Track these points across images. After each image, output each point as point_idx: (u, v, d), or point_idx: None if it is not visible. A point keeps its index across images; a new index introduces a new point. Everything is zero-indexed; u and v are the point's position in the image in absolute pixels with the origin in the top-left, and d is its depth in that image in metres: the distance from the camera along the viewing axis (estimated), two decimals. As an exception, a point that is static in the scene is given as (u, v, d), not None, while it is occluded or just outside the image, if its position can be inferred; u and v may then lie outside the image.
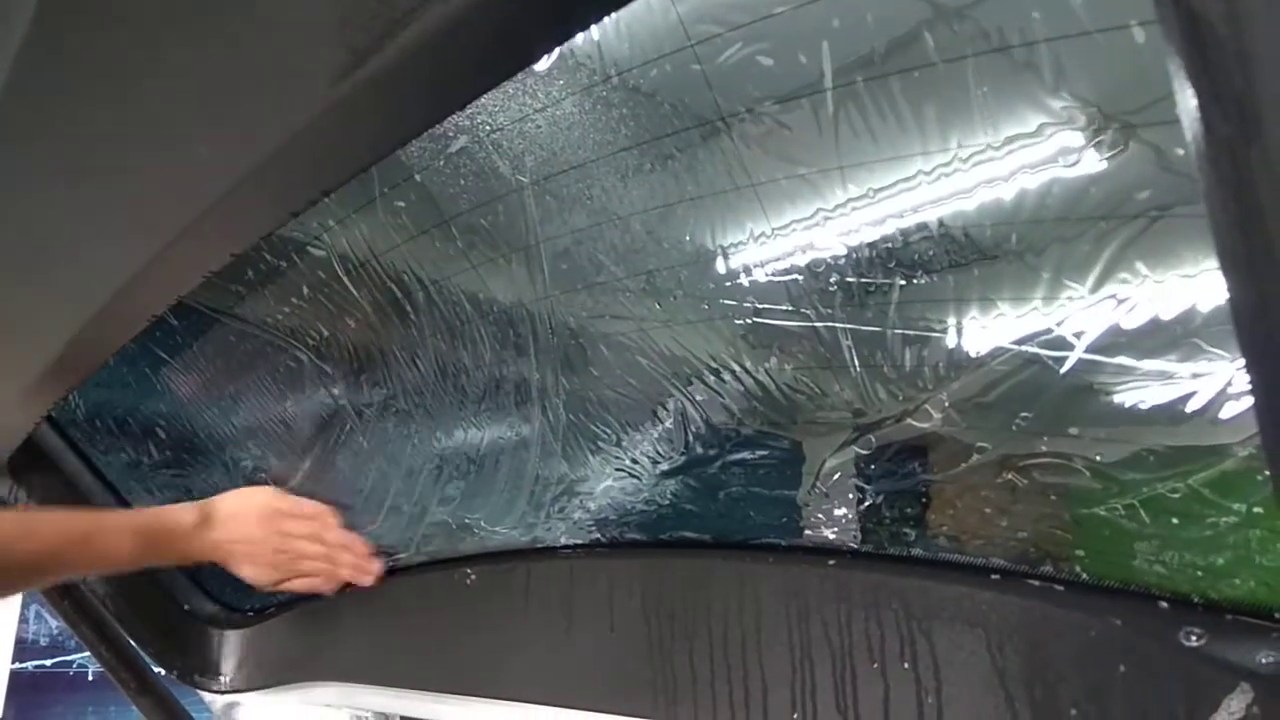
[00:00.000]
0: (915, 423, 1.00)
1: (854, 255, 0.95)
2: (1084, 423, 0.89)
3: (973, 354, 0.93)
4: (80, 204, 0.94)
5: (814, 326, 1.01)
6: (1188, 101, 0.40)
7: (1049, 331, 0.87)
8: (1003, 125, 0.81)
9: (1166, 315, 0.80)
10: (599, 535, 1.35)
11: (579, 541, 1.37)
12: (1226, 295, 0.44)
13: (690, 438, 1.20)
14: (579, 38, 0.91)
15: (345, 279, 1.34)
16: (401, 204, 1.21)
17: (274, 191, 0.85)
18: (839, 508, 1.09)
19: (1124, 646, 0.81)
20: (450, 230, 1.22)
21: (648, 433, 1.24)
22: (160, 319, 1.12)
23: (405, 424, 1.52)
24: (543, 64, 0.95)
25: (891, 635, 0.95)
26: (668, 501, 1.27)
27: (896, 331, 0.96)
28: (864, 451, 1.06)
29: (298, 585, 1.26)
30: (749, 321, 1.06)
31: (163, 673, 1.87)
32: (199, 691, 1.88)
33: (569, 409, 1.28)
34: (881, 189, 0.90)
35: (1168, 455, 0.84)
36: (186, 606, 1.88)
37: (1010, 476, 0.95)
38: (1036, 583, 0.91)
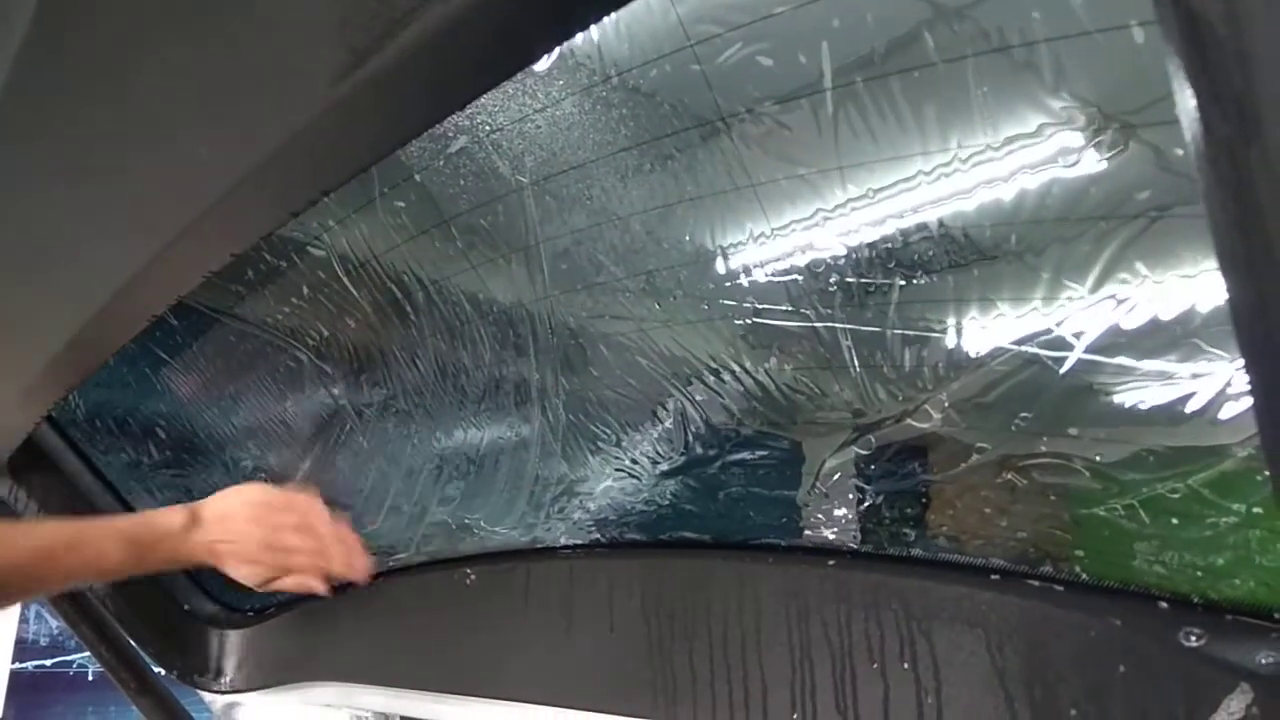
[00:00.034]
0: (915, 423, 1.00)
1: (854, 255, 0.95)
2: (1084, 423, 0.89)
3: (972, 354, 0.93)
4: (80, 204, 0.94)
5: (814, 327, 1.01)
6: (1187, 101, 0.40)
7: (1048, 332, 0.87)
8: (1002, 125, 0.81)
9: (1166, 315, 0.80)
10: (599, 535, 1.35)
11: (579, 542, 1.37)
12: (1226, 295, 0.44)
13: (690, 438, 1.20)
14: (579, 38, 0.91)
15: (345, 279, 1.34)
16: (401, 204, 1.21)
17: (274, 191, 0.85)
18: (839, 508, 1.09)
19: (1124, 647, 0.81)
20: (450, 230, 1.22)
21: (647, 433, 1.24)
22: (160, 319, 1.12)
23: (405, 424, 1.52)
24: (542, 64, 0.95)
25: (891, 635, 0.95)
26: (667, 502, 1.27)
27: (896, 332, 0.96)
28: (864, 452, 1.06)
29: (290, 584, 1.24)
30: (749, 322, 1.06)
31: (163, 673, 1.87)
32: (199, 691, 1.88)
33: (569, 409, 1.28)
34: (881, 189, 0.90)
35: (1167, 455, 0.84)
36: (186, 606, 1.88)
37: (1010, 477, 0.95)
38: (1036, 583, 0.91)
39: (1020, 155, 0.82)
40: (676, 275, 1.10)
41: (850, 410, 1.05)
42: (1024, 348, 0.89)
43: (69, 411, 1.81)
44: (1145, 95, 0.74)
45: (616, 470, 1.30)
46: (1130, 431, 0.87)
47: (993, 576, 0.93)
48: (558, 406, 1.29)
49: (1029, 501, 0.94)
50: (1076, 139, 0.79)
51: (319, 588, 1.26)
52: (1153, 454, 0.85)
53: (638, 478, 1.28)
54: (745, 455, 1.17)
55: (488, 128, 1.05)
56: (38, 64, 0.74)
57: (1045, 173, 0.81)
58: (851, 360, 1.00)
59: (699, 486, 1.23)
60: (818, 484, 1.10)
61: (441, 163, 1.13)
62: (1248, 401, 0.77)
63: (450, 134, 1.07)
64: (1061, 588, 0.89)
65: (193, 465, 1.88)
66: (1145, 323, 0.81)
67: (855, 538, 1.09)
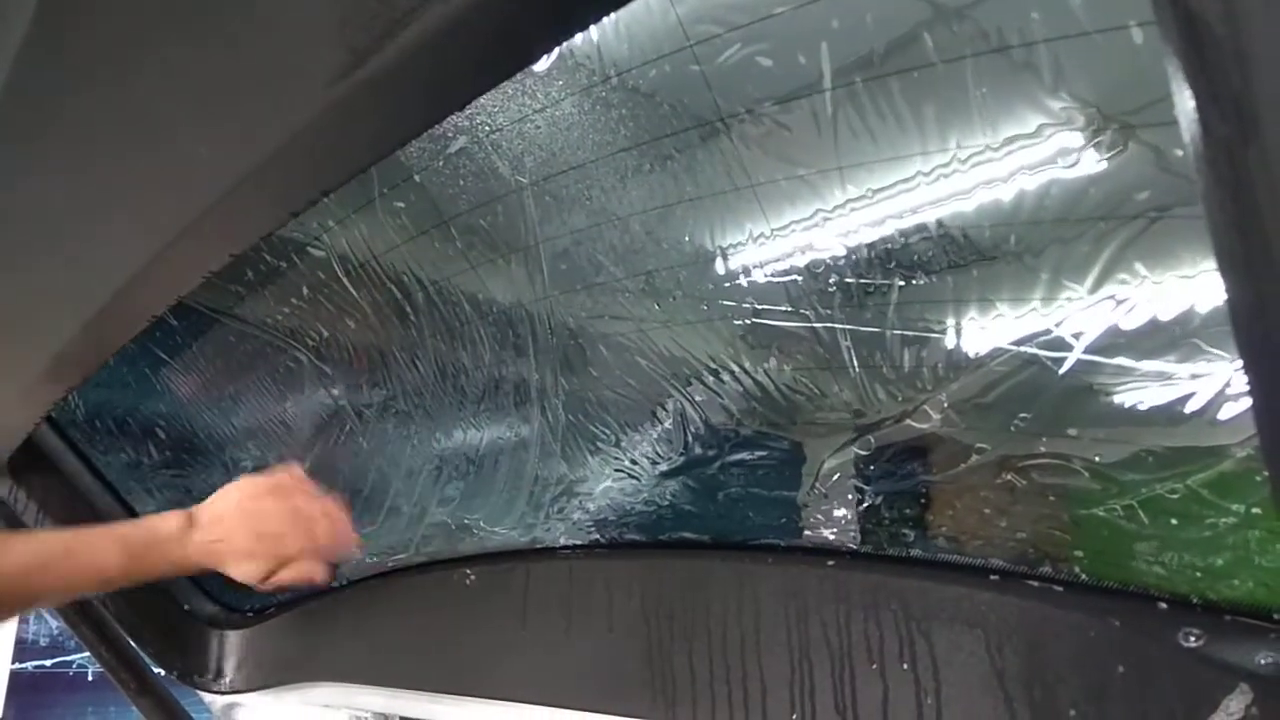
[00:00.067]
0: (914, 423, 1.00)
1: (853, 256, 0.95)
2: (1083, 423, 0.89)
3: (972, 355, 0.93)
4: (80, 204, 0.94)
5: (813, 327, 1.01)
6: (1185, 102, 0.40)
7: (1048, 332, 0.87)
8: (1002, 126, 0.81)
9: (1165, 316, 0.80)
10: (598, 536, 1.35)
11: (578, 542, 1.37)
12: (1224, 296, 0.44)
13: (689, 438, 1.20)
14: (578, 38, 0.91)
15: (345, 279, 1.34)
16: (401, 204, 1.21)
17: (274, 191, 0.85)
18: (838, 508, 1.09)
19: (1123, 647, 0.81)
20: (450, 231, 1.22)
21: (647, 433, 1.24)
22: (160, 319, 1.12)
23: (405, 424, 1.52)
24: (542, 64, 0.95)
25: (891, 636, 0.95)
26: (667, 502, 1.27)
27: (895, 332, 0.96)
28: (863, 452, 1.06)
29: (289, 576, 1.23)
30: (748, 322, 1.06)
31: (162, 673, 1.87)
32: (199, 692, 1.88)
33: (568, 410, 1.28)
34: (880, 190, 0.90)
35: (1166, 456, 0.84)
36: (186, 607, 1.88)
37: (1009, 477, 0.95)
38: (1035, 583, 0.91)
39: (1019, 156, 0.82)
40: (676, 276, 1.10)
41: (850, 411, 1.05)
42: (1023, 348, 0.89)
43: (69, 412, 1.81)
44: (1145, 96, 0.74)
45: (616, 471, 1.30)
46: (1129, 432, 0.87)
47: (992, 577, 0.93)
48: (557, 407, 1.29)
49: (1028, 502, 0.94)
50: (1076, 139, 0.79)
51: (319, 574, 1.24)
52: (1152, 454, 0.85)
53: (637, 478, 1.28)
54: (744, 456, 1.17)
55: (487, 128, 1.05)
56: (37, 64, 0.74)
57: (1044, 173, 0.81)
58: (851, 361, 1.00)
59: (698, 487, 1.23)
60: (817, 484, 1.10)
61: (441, 163, 1.13)
62: (1246, 402, 0.77)
63: (450, 134, 1.07)
64: (1061, 588, 0.89)
65: (192, 466, 1.88)
66: (1144, 323, 0.81)
67: (855, 538, 1.09)
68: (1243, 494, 0.80)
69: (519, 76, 0.98)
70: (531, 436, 1.36)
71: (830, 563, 1.03)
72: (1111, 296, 0.82)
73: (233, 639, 1.85)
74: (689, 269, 1.08)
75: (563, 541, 1.38)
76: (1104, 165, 0.78)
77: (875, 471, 1.06)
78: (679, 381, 1.16)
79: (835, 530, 1.10)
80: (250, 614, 1.87)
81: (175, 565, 1.17)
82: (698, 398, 1.16)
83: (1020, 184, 0.83)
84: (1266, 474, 0.50)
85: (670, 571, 1.17)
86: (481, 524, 1.50)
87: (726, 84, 0.90)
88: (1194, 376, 0.80)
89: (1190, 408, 0.81)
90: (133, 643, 1.82)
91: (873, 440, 1.05)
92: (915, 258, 0.92)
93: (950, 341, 0.94)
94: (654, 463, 1.25)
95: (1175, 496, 0.83)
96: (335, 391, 1.55)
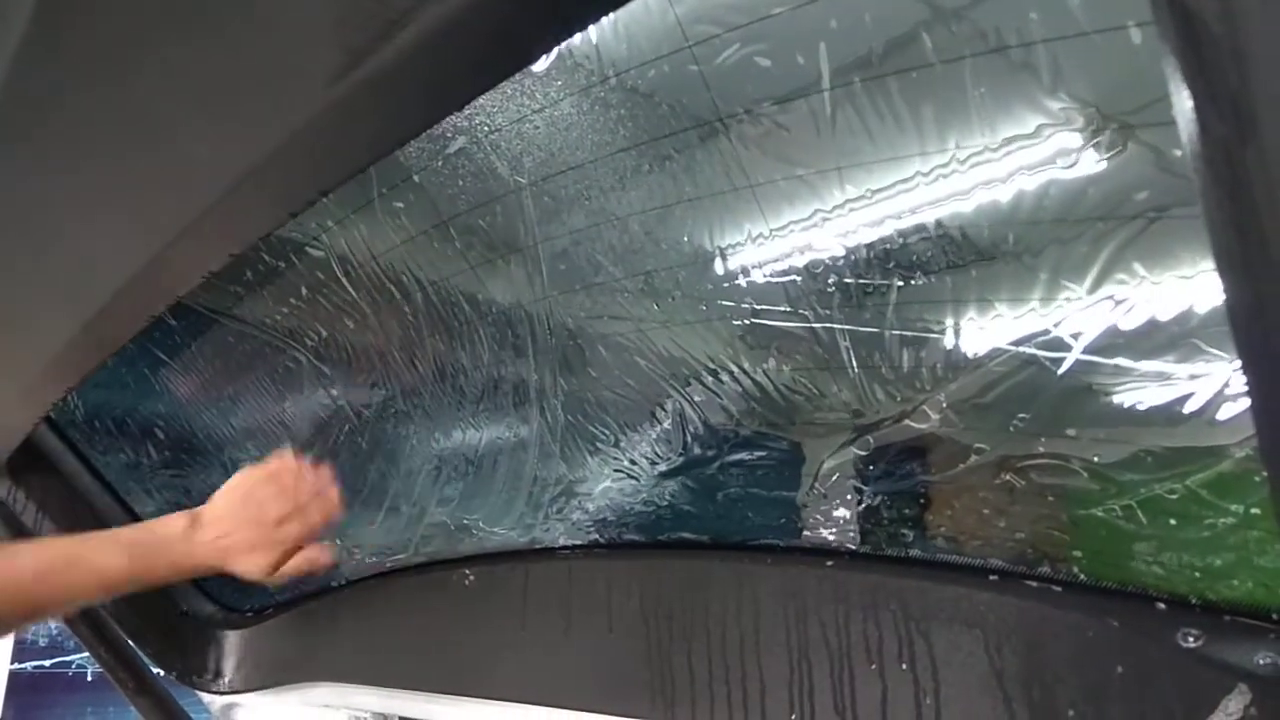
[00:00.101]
0: (913, 424, 1.00)
1: (852, 256, 0.95)
2: (1082, 424, 0.89)
3: (970, 355, 0.93)
4: (80, 204, 0.94)
5: (812, 327, 1.01)
6: (1183, 101, 0.40)
7: (1046, 333, 0.87)
8: (1000, 126, 0.81)
9: (1164, 316, 0.80)
10: (597, 536, 1.35)
11: (577, 542, 1.37)
12: (1223, 296, 0.44)
13: (688, 439, 1.20)
14: (577, 38, 0.91)
15: (344, 280, 1.34)
16: (400, 205, 1.21)
17: (273, 191, 0.85)
18: (837, 509, 1.09)
19: (1122, 647, 0.81)
20: (449, 231, 1.22)
21: (646, 434, 1.24)
22: (159, 319, 1.12)
23: (404, 425, 1.52)
24: (541, 65, 0.95)
25: (890, 636, 0.95)
26: (666, 502, 1.27)
27: (894, 332, 0.96)
28: (862, 452, 1.06)
29: (298, 564, 1.21)
30: (747, 322, 1.06)
31: (161, 673, 1.87)
32: (198, 692, 1.88)
33: (567, 410, 1.28)
34: (879, 190, 0.90)
35: (1165, 456, 0.84)
36: (185, 607, 1.88)
37: (1008, 477, 0.95)
38: (1034, 583, 0.91)
39: (1018, 156, 0.82)
40: (675, 276, 1.10)
41: (849, 411, 1.05)
42: (1022, 348, 0.89)
43: (68, 412, 1.81)
44: (1144, 95, 0.74)
45: (615, 471, 1.30)
46: (1128, 432, 0.87)
47: (991, 577, 0.93)
48: (556, 407, 1.29)
49: (1027, 502, 0.94)
50: (1075, 140, 0.79)
51: (324, 558, 1.22)
52: (1151, 455, 0.85)
53: (636, 478, 1.28)
54: (744, 456, 1.17)
55: (486, 128, 1.05)
56: (36, 64, 0.74)
57: (1043, 173, 0.81)
58: (850, 361, 1.00)
59: (697, 487, 1.23)
60: (816, 485, 1.10)
61: (440, 163, 1.13)
62: (1245, 402, 0.77)
63: (449, 134, 1.07)
64: (1060, 588, 0.89)
65: (192, 466, 1.88)
66: (1143, 323, 0.81)
67: (854, 538, 1.09)
68: (1241, 494, 0.80)
69: (518, 77, 0.98)
70: (530, 437, 1.36)
71: (829, 563, 1.03)
72: (1110, 297, 0.82)
73: (232, 639, 1.85)
74: (688, 269, 1.08)
75: (562, 542, 1.38)
76: (1103, 165, 0.78)
77: (874, 472, 1.06)
78: (678, 382, 1.16)
79: (834, 530, 1.10)
80: (249, 614, 1.87)
81: (181, 567, 1.16)
82: (697, 398, 1.16)
83: (1019, 184, 0.83)
84: (1265, 474, 0.50)
85: (669, 572, 1.17)
86: (481, 524, 1.50)
87: (725, 84, 0.90)
88: (1193, 377, 0.80)
89: (1189, 408, 0.81)
90: (132, 643, 1.82)
91: (872, 440, 1.05)
92: (914, 258, 0.92)
93: (949, 342, 0.94)
94: (653, 463, 1.25)
95: (1174, 497, 0.83)
96: (334, 392, 1.55)
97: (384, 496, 1.60)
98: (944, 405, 0.96)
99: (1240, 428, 0.79)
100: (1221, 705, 0.74)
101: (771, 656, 1.03)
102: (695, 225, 1.04)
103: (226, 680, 1.84)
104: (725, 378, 1.11)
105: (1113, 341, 0.83)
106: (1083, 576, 0.90)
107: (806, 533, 1.13)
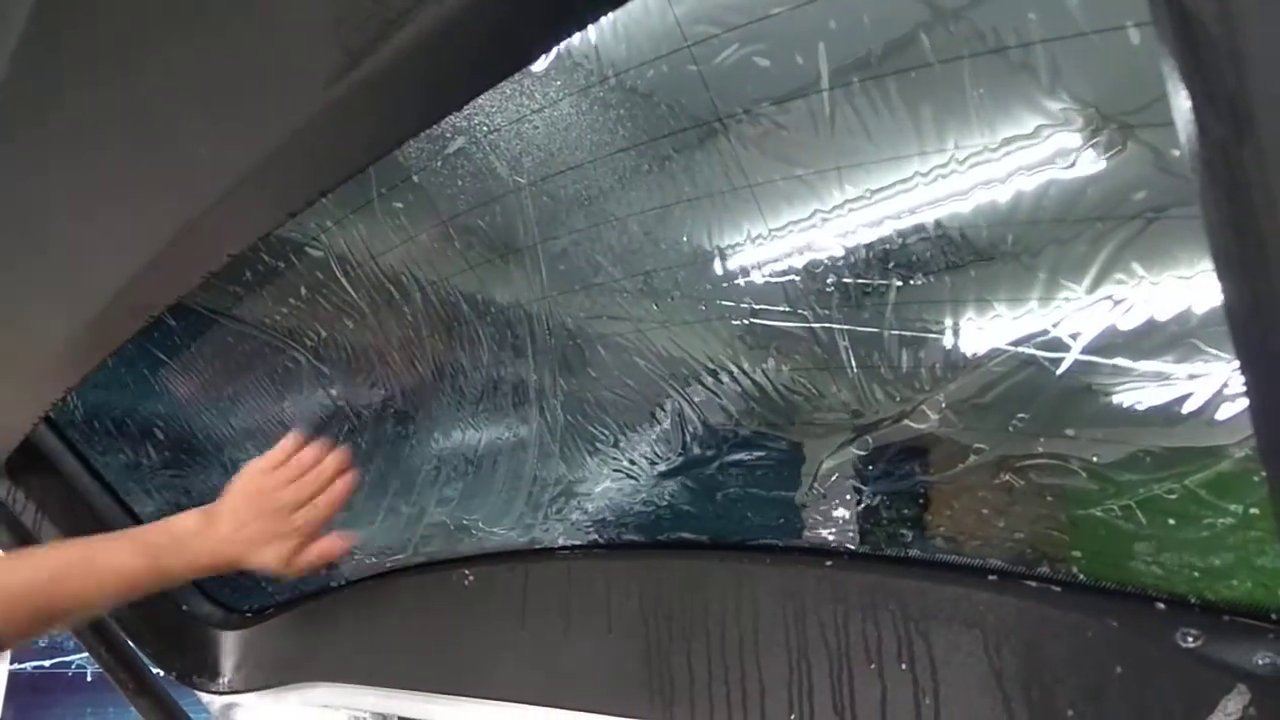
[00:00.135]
0: (912, 424, 1.00)
1: (851, 256, 0.95)
2: (1080, 424, 0.89)
3: (969, 355, 0.93)
4: (80, 204, 0.94)
5: (811, 327, 1.01)
6: (1181, 101, 0.40)
7: (1045, 333, 0.87)
8: (999, 126, 0.81)
9: (1163, 316, 0.80)
10: (597, 536, 1.35)
11: (577, 542, 1.37)
12: (1221, 296, 0.44)
13: (688, 439, 1.20)
14: (576, 38, 0.91)
15: (343, 280, 1.34)
16: (399, 205, 1.21)
17: (273, 191, 0.85)
18: (837, 509, 1.10)
19: (1121, 647, 0.81)
20: (448, 231, 1.22)
21: (645, 434, 1.24)
22: (159, 319, 1.12)
23: (403, 425, 1.52)
24: (540, 65, 0.95)
25: (889, 636, 0.95)
26: (665, 502, 1.27)
27: (893, 333, 0.96)
28: (861, 452, 1.06)
29: (313, 554, 1.17)
30: (746, 322, 1.06)
31: (161, 673, 1.87)
32: (197, 692, 1.88)
33: (567, 410, 1.28)
34: (878, 190, 0.90)
35: (1164, 456, 0.84)
36: (185, 607, 1.88)
37: (1007, 477, 0.95)
38: (1033, 584, 0.91)
39: (1017, 156, 0.82)
40: (674, 276, 1.10)
41: (848, 411, 1.05)
42: (1021, 349, 0.89)
43: (67, 413, 1.81)
44: (1143, 95, 0.74)
45: (614, 471, 1.30)
46: (1127, 432, 0.87)
47: (990, 577, 0.93)
48: (555, 407, 1.29)
49: (1026, 502, 0.94)
50: (1074, 140, 0.79)
51: (342, 545, 1.20)
52: (1150, 455, 0.85)
53: (636, 478, 1.28)
54: (743, 456, 1.17)
55: (485, 128, 1.05)
56: (36, 63, 0.74)
57: (1042, 174, 0.81)
58: (849, 361, 1.00)
59: (697, 487, 1.23)
60: (815, 485, 1.10)
61: (439, 163, 1.13)
62: (1244, 402, 0.77)
63: (448, 135, 1.07)
64: (1059, 588, 0.89)
65: (191, 466, 1.88)
66: (1142, 323, 0.81)
67: (853, 538, 1.09)
68: (1240, 494, 0.80)
69: (517, 77, 0.98)
70: (530, 437, 1.36)
71: (828, 563, 1.03)
72: (1109, 297, 0.82)
73: (231, 639, 1.85)
74: (687, 269, 1.08)
75: (561, 542, 1.39)
76: (1102, 165, 0.78)
77: (873, 472, 1.06)
78: (677, 382, 1.16)
79: (834, 530, 1.10)
80: (249, 614, 1.87)
81: (197, 565, 1.14)
82: (696, 398, 1.16)
83: (1018, 184, 0.83)
84: (1264, 474, 0.50)
85: (669, 572, 1.17)
86: (480, 524, 1.50)
87: (724, 84, 0.90)
88: (1191, 377, 0.80)
89: (1188, 408, 0.81)
90: (131, 643, 1.82)
91: (871, 440, 1.05)
92: (913, 258, 0.92)
93: (948, 342, 0.94)
94: (652, 463, 1.26)
95: (1173, 497, 0.83)
96: (333, 392, 1.55)
97: (383, 496, 1.60)
98: (943, 405, 0.96)
99: (1239, 428, 0.79)
100: (1220, 705, 0.74)
101: (771, 657, 1.03)
102: (694, 225, 1.04)
103: (226, 680, 1.84)
104: (724, 378, 1.11)
105: (1111, 341, 0.83)
106: (1082, 576, 0.90)
107: (806, 533, 1.13)
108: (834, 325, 0.99)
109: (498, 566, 1.40)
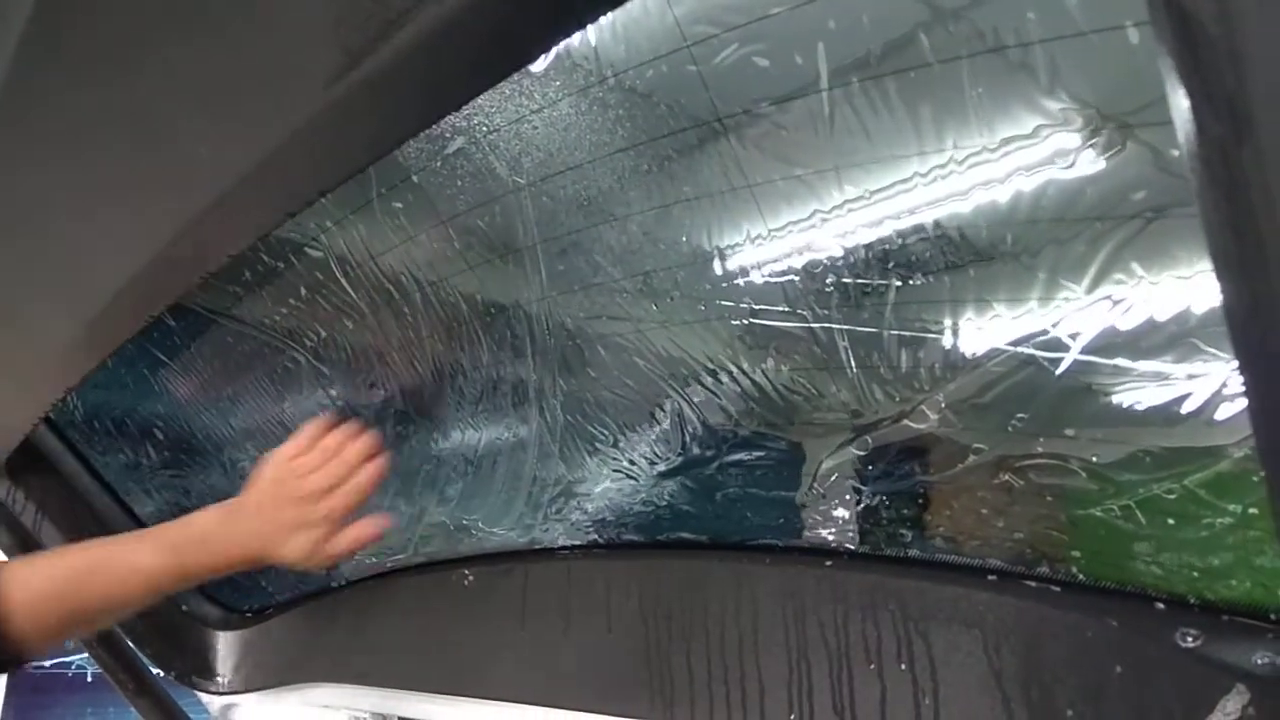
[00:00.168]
0: (912, 424, 1.00)
1: (850, 256, 0.95)
2: (1080, 424, 0.89)
3: (969, 355, 0.93)
4: (80, 204, 0.94)
5: (810, 327, 1.01)
6: (1180, 101, 0.40)
7: (1045, 333, 0.87)
8: (999, 126, 0.81)
9: (1162, 316, 0.80)
10: (597, 536, 1.35)
11: (577, 543, 1.37)
12: (1220, 296, 0.44)
13: (687, 439, 1.20)
14: (575, 38, 0.91)
15: (343, 280, 1.34)
16: (399, 205, 1.21)
17: (273, 191, 0.85)
18: (836, 509, 1.10)
19: (1120, 647, 0.81)
20: (448, 231, 1.23)
21: (645, 434, 1.24)
22: (158, 320, 1.12)
23: (403, 425, 1.52)
24: (539, 65, 0.95)
25: (888, 636, 0.95)
26: (665, 503, 1.27)
27: (893, 333, 0.96)
28: (861, 452, 1.07)
29: (345, 541, 1.09)
30: (746, 322, 1.06)
31: (161, 674, 1.87)
32: (197, 692, 1.88)
33: (566, 410, 1.28)
34: (878, 190, 0.90)
35: (1163, 456, 0.84)
36: (185, 607, 1.89)
37: (1007, 477, 0.95)
38: (1033, 583, 0.91)
39: (1017, 156, 0.82)
40: (674, 276, 1.10)
41: (847, 411, 1.05)
42: (1020, 349, 0.89)
43: (67, 413, 1.81)
44: (1143, 95, 0.74)
45: (614, 471, 1.30)
46: (1126, 432, 0.87)
47: (990, 577, 0.93)
48: (555, 407, 1.29)
49: (1026, 502, 0.94)
50: (1073, 140, 0.79)
51: (375, 529, 1.12)
52: (1149, 455, 0.85)
53: (635, 479, 1.28)
54: (743, 456, 1.17)
55: (485, 128, 1.05)
56: (36, 63, 0.74)
57: (1041, 174, 0.81)
58: (848, 361, 1.00)
59: (696, 487, 1.23)
60: (815, 485, 1.10)
61: (439, 164, 1.13)
62: (1243, 402, 0.77)
63: (447, 135, 1.07)
64: (1058, 588, 0.89)
65: (191, 466, 1.88)
66: (1141, 323, 0.81)
67: (853, 538, 1.09)
68: (1239, 494, 0.80)
69: (516, 77, 0.98)
70: (530, 437, 1.36)
71: (828, 563, 1.03)
72: (1108, 297, 0.82)
73: (231, 639, 1.86)
74: (686, 269, 1.08)
75: (561, 542, 1.39)
76: (1101, 165, 0.78)
77: (873, 472, 1.06)
78: (677, 382, 1.16)
79: (833, 530, 1.10)
80: (249, 614, 1.88)
81: (220, 561, 1.09)
82: (696, 398, 1.16)
83: (1017, 184, 0.83)
84: (1262, 474, 0.50)
85: (668, 572, 1.17)
86: (480, 524, 1.50)
87: (724, 84, 0.90)
88: (1190, 377, 0.80)
89: (1187, 408, 0.81)
90: (131, 643, 1.82)
91: (870, 440, 1.05)
92: (912, 258, 0.92)
93: (947, 342, 0.94)
94: (652, 463, 1.26)
95: (1172, 497, 0.83)
96: (333, 392, 1.55)
97: (383, 496, 1.60)
98: (942, 405, 0.96)
99: (1238, 428, 0.79)
100: (1220, 705, 0.74)
101: (770, 656, 1.03)
102: (694, 225, 1.04)
103: (226, 681, 1.84)
104: (724, 378, 1.11)
105: (1111, 341, 0.84)
106: (1081, 576, 0.90)
107: (805, 533, 1.13)
108: (833, 325, 0.99)
109: (497, 566, 1.40)
